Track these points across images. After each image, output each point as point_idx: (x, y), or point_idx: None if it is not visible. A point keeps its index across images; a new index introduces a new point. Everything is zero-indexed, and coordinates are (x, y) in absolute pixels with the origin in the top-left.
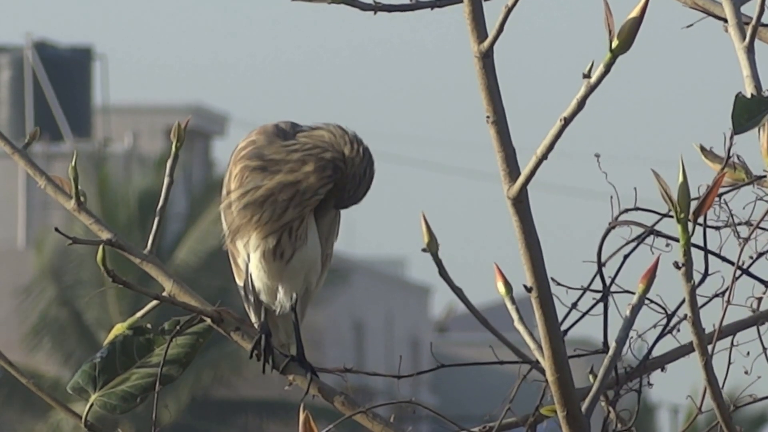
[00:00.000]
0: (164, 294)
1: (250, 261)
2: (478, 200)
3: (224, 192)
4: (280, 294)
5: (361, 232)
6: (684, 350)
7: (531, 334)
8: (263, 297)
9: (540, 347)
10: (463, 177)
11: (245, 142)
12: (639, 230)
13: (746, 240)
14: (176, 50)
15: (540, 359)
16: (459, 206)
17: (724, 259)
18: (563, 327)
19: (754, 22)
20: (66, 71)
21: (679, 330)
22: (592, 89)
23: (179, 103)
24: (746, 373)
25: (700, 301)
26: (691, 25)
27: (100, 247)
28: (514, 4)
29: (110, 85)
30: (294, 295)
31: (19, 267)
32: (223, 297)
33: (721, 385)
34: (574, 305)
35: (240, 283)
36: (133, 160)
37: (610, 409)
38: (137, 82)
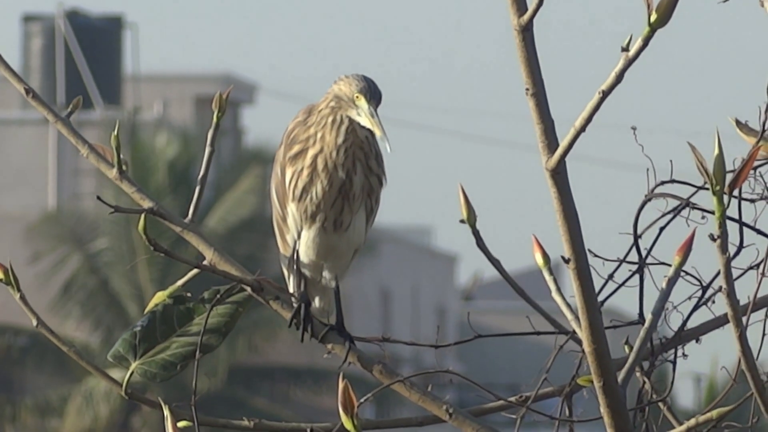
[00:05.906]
0: (204, 263)
1: (300, 238)
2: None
3: (277, 169)
4: (326, 271)
5: (388, 200)
6: (718, 322)
7: (568, 305)
8: (307, 272)
9: (577, 318)
10: (499, 147)
11: (293, 124)
12: (675, 203)
13: None
14: (206, 19)
15: (577, 330)
16: (487, 176)
17: (759, 231)
18: (599, 298)
19: None
20: (97, 40)
21: (714, 302)
22: (630, 62)
23: (208, 72)
24: None
25: (735, 273)
26: None
27: (142, 215)
28: None
29: (140, 53)
30: (339, 272)
31: (48, 233)
32: (253, 265)
33: (755, 356)
34: (611, 277)
35: (285, 254)
36: (163, 128)
37: (645, 379)
38: (167, 51)
